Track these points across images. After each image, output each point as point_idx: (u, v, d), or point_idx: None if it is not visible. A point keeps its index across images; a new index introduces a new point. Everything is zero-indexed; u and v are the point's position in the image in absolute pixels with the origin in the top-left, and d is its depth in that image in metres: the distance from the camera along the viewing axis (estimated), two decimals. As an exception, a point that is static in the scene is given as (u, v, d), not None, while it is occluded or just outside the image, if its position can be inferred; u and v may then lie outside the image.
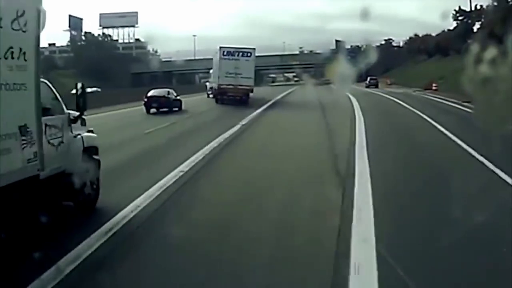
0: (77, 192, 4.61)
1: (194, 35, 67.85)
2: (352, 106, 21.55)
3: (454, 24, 52.34)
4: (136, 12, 67.92)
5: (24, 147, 3.69)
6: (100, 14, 66.61)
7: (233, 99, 22.63)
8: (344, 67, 48.99)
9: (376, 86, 49.81)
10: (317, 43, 65.12)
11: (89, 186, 4.97)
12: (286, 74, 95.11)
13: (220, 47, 23.91)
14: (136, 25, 69.35)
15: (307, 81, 60.18)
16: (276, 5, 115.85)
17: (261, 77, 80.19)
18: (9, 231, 3.30)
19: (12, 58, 3.60)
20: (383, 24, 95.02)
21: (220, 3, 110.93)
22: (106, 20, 65.36)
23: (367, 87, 47.10)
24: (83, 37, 65.82)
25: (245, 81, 24.00)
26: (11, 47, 3.61)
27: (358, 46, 62.94)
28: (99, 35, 64.85)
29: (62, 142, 4.54)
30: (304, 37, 70.47)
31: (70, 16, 64.04)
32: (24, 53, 3.73)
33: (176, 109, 21.10)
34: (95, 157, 5.39)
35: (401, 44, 69.53)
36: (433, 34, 58.77)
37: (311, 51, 67.70)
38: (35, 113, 3.83)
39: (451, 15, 49.77)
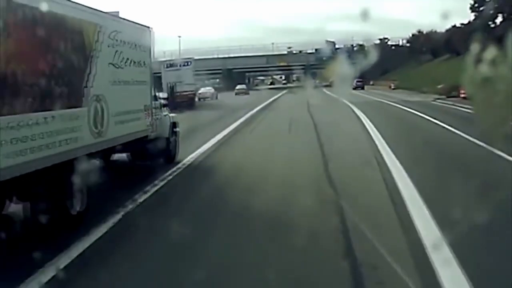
0: (166, 150, 8.66)
1: (179, 36, 73.41)
2: (367, 131, 14.07)
3: (465, 19, 51.05)
4: (118, 12, 73.55)
5: (146, 117, 7.58)
6: None
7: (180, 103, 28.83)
8: (339, 69, 52.51)
9: (362, 88, 54.94)
10: (309, 44, 69.03)
11: (173, 147, 9.05)
12: (274, 77, 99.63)
13: (162, 61, 30.13)
14: (119, 24, 75.25)
15: (305, 84, 61.29)
16: (268, 6, 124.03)
17: (245, 80, 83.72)
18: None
19: (141, 66, 7.44)
20: (377, 26, 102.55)
21: (210, 4, 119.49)
22: None
23: (354, 89, 50.34)
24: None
25: (188, 87, 30.05)
26: (140, 60, 7.44)
27: (352, 45, 67.01)
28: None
29: (158, 118, 8.43)
30: (296, 39, 76.91)
31: None
32: (145, 62, 7.59)
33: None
34: (176, 129, 9.28)
35: (400, 43, 72.65)
36: (442, 30, 55.98)
37: (300, 51, 71.75)
38: (150, 98, 7.75)
39: (468, 5, 47.19)
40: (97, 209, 5.86)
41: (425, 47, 61.84)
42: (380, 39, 72.41)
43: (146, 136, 7.77)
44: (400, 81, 55.37)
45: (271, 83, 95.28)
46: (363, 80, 57.11)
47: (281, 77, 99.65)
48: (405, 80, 53.17)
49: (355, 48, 65.96)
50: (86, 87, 5.84)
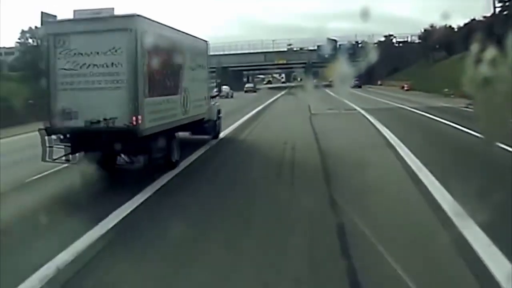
0: (213, 129, 13.55)
1: None
2: (415, 176, 9.00)
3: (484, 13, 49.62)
4: (112, 8, 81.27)
5: (205, 105, 12.40)
6: (74, 11, 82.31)
7: None
8: (342, 68, 55.80)
9: (359, 87, 60.34)
10: (310, 42, 73.19)
11: (218, 127, 13.97)
12: (274, 75, 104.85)
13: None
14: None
15: (305, 84, 64.36)
16: (269, 5, 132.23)
17: (242, 79, 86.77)
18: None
19: (203, 68, 12.30)
20: (380, 24, 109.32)
21: (210, 2, 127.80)
22: (81, 16, 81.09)
23: (352, 87, 54.82)
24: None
25: None
26: (202, 64, 12.29)
27: (357, 42, 72.46)
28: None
29: (210, 106, 13.29)
30: (297, 37, 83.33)
31: (42, 13, 79.53)
32: (205, 65, 12.44)
33: None
34: (220, 114, 14.16)
35: (409, 39, 76.76)
36: (459, 25, 59.23)
37: (301, 48, 75.89)
38: (207, 91, 12.58)
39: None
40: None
41: (438, 43, 63.66)
42: (385, 36, 77.32)
43: (203, 118, 12.73)
44: (413, 81, 56.02)
45: (268, 82, 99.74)
46: (360, 79, 62.05)
47: (281, 76, 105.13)
48: (419, 80, 53.83)
49: (360, 45, 70.83)
50: (180, 82, 10.62)
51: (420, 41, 73.13)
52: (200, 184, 9.29)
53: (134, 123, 8.84)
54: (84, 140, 9.40)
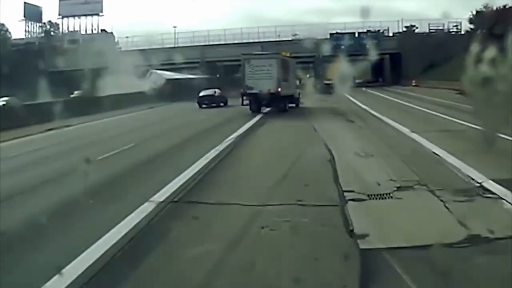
0: (296, 100, 56.22)
1: (175, 26, 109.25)
2: None
3: None
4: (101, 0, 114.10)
5: (294, 89, 55.20)
6: (60, 1, 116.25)
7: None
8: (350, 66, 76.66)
9: (359, 86, 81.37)
10: (319, 34, 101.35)
11: (299, 101, 56.98)
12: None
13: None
14: (101, 14, 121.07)
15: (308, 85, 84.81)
16: (274, 1, 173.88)
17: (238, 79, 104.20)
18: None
19: (294, 72, 59.70)
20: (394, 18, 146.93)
21: None
22: (67, 7, 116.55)
23: (356, 86, 75.55)
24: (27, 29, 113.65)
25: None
26: (293, 70, 58.88)
27: (378, 30, 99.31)
28: (41, 26, 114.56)
29: (296, 90, 55.99)
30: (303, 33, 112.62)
31: (25, 3, 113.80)
32: (294, 70, 59.80)
33: (222, 104, 66.28)
34: (300, 95, 58.02)
35: (445, 27, 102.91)
36: None
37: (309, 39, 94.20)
38: (295, 83, 56.28)
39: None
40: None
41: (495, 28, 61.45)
42: (406, 27, 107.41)
43: (293, 95, 54.14)
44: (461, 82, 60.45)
45: None
46: (381, 77, 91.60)
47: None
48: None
49: (382, 31, 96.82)
50: (289, 77, 52.62)
51: (471, 27, 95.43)
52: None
53: (278, 90, 48.13)
54: (256, 98, 47.50)
